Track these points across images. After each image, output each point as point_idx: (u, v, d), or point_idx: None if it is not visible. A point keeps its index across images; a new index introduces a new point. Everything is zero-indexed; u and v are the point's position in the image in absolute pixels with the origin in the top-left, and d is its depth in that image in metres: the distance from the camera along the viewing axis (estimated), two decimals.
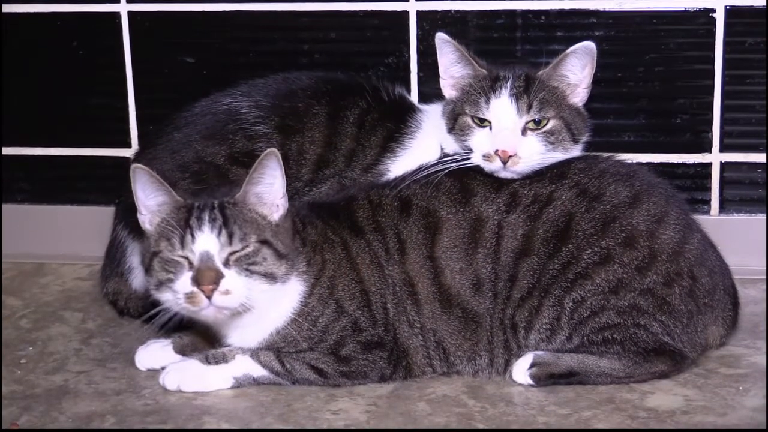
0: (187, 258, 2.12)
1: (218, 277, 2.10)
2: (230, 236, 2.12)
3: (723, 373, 2.27)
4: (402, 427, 2.12)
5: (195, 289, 2.10)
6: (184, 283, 2.12)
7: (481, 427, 2.11)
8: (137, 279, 2.60)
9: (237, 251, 2.12)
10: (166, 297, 2.15)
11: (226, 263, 2.12)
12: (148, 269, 2.17)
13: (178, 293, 2.12)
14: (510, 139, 2.28)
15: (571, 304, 2.20)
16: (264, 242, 2.15)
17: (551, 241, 2.24)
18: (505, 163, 2.27)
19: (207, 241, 2.12)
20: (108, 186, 2.89)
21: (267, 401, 2.21)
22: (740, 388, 2.22)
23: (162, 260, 2.14)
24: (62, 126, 2.96)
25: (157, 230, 2.17)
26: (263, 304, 2.16)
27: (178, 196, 2.17)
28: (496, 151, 2.27)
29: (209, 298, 2.10)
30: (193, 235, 2.12)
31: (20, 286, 2.83)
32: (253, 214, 2.17)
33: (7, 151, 2.98)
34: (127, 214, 2.55)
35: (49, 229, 2.98)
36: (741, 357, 2.34)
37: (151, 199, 2.17)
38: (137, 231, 2.51)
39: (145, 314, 2.52)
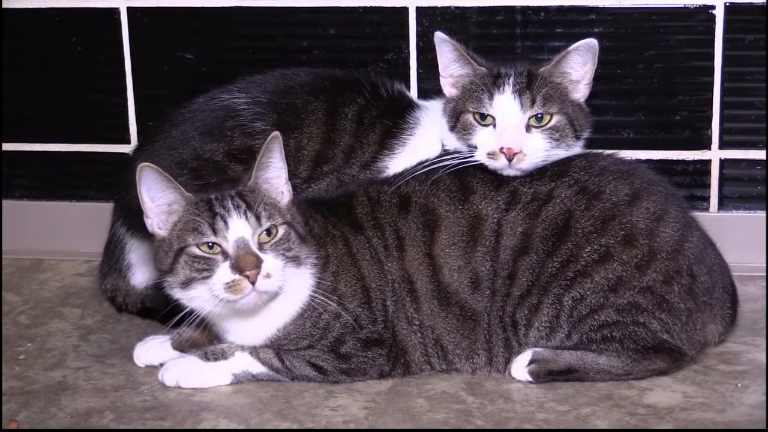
0: (220, 246, 2.11)
1: (259, 261, 2.10)
2: (258, 218, 2.12)
3: (722, 370, 2.27)
4: (401, 423, 2.12)
5: (237, 276, 2.09)
6: (223, 273, 2.10)
7: (479, 423, 2.11)
8: (136, 275, 2.60)
9: (270, 237, 2.12)
10: (196, 293, 2.14)
11: (261, 248, 2.12)
12: (171, 269, 2.15)
13: (216, 284, 2.10)
14: (515, 136, 2.28)
15: (570, 302, 2.20)
16: (289, 224, 2.16)
17: (550, 239, 2.23)
18: (510, 160, 2.26)
19: (240, 227, 2.11)
20: (107, 182, 2.89)
21: (266, 397, 2.21)
22: (739, 384, 2.22)
23: (190, 256, 2.12)
24: (61, 122, 2.96)
25: (178, 227, 2.15)
26: (287, 291, 2.16)
27: (188, 193, 2.16)
28: (502, 148, 2.27)
29: (253, 283, 2.09)
30: (225, 222, 2.11)
31: (19, 282, 2.83)
32: (269, 200, 2.17)
33: (6, 146, 2.98)
34: (126, 210, 2.55)
35: (48, 225, 2.97)
36: (740, 354, 2.34)
37: (159, 199, 2.15)
38: (136, 228, 2.52)
39: (144, 310, 2.54)
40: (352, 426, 2.11)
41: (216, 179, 2.42)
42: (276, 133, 2.16)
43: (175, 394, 2.23)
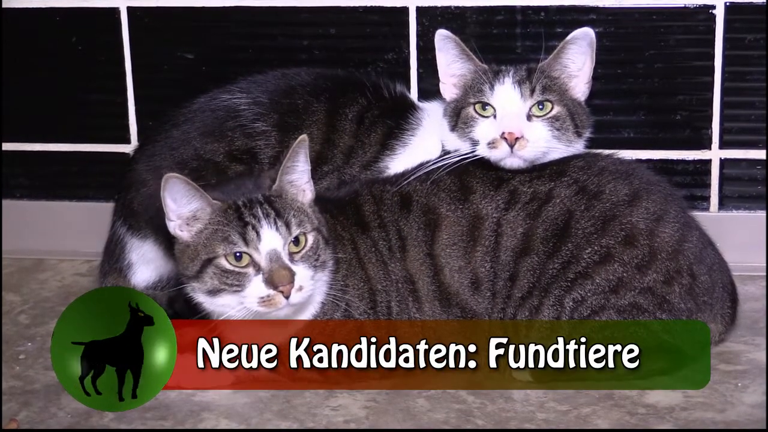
0: (250, 257, 2.09)
1: (292, 275, 2.08)
2: (288, 226, 2.11)
3: (722, 369, 2.27)
4: (401, 422, 2.12)
5: (272, 291, 2.08)
6: (256, 288, 2.09)
7: (480, 423, 2.11)
8: (136, 275, 2.59)
9: (299, 247, 2.11)
10: (224, 302, 2.12)
11: (291, 259, 2.11)
12: (197, 277, 2.13)
13: (248, 299, 2.09)
14: (516, 121, 2.29)
15: (571, 303, 2.20)
16: (317, 230, 2.15)
17: (551, 239, 2.23)
18: (512, 146, 2.27)
19: (272, 238, 2.09)
20: (107, 182, 2.89)
21: (266, 397, 2.21)
22: (739, 384, 2.22)
23: (220, 269, 2.10)
24: (61, 122, 2.96)
25: (204, 234, 2.12)
26: (313, 296, 2.15)
27: (213, 200, 2.13)
28: (503, 134, 2.27)
29: (287, 297, 2.08)
30: (258, 232, 2.09)
31: (19, 281, 2.83)
32: (297, 204, 2.16)
33: (7, 146, 2.98)
34: (127, 210, 2.55)
35: (48, 225, 2.97)
36: (740, 354, 2.34)
37: (184, 207, 2.13)
38: (136, 227, 2.52)
39: None
40: (352, 425, 2.11)
41: (216, 179, 2.41)
42: (303, 136, 2.14)
43: (175, 393, 2.23)
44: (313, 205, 2.20)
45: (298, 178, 2.17)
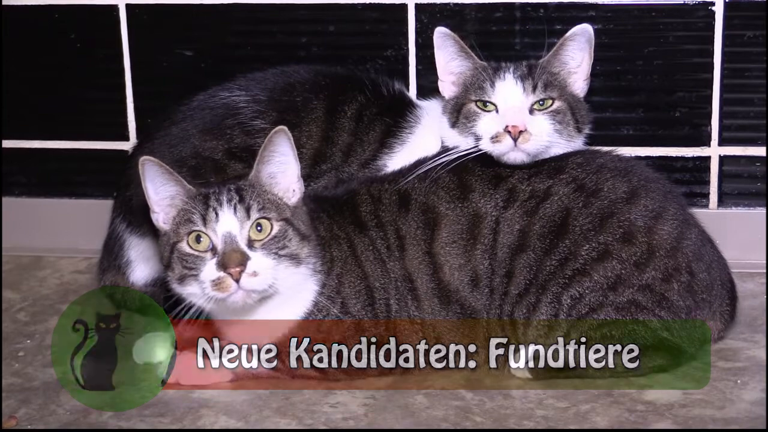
0: (209, 239, 2.10)
1: (244, 258, 2.08)
2: (247, 211, 2.11)
3: (721, 366, 2.27)
4: (400, 420, 2.12)
5: (222, 273, 2.08)
6: (209, 270, 2.10)
7: (478, 420, 2.11)
8: (135, 272, 2.60)
9: (262, 235, 2.11)
10: (190, 290, 2.14)
11: (251, 245, 2.11)
12: (168, 264, 2.16)
13: (204, 282, 2.10)
14: (519, 115, 2.29)
15: (569, 300, 2.20)
16: (287, 221, 2.15)
17: (548, 236, 2.23)
18: (515, 140, 2.26)
19: (228, 221, 2.10)
20: (106, 179, 2.89)
21: (265, 394, 2.21)
22: (738, 381, 2.22)
23: (181, 253, 2.12)
24: (60, 119, 2.96)
25: (176, 220, 2.15)
26: (287, 291, 2.14)
27: (189, 186, 2.16)
28: (506, 127, 2.27)
29: (237, 281, 2.08)
30: (216, 214, 2.10)
31: (18, 279, 2.83)
32: (269, 195, 2.16)
33: (5, 144, 2.98)
34: (126, 207, 2.55)
35: (47, 223, 2.97)
36: (739, 351, 2.34)
37: (161, 192, 2.15)
38: (136, 224, 2.52)
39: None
40: (351, 423, 2.11)
41: (215, 177, 2.42)
42: (281, 127, 2.15)
43: (174, 390, 2.23)
44: (300, 205, 2.19)
45: (279, 171, 2.17)
